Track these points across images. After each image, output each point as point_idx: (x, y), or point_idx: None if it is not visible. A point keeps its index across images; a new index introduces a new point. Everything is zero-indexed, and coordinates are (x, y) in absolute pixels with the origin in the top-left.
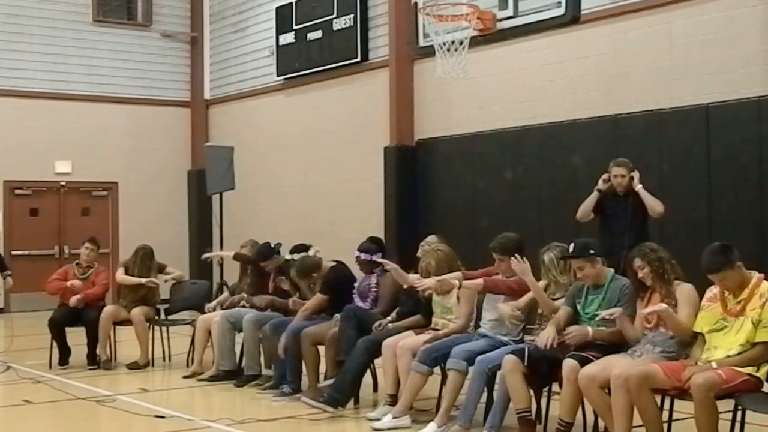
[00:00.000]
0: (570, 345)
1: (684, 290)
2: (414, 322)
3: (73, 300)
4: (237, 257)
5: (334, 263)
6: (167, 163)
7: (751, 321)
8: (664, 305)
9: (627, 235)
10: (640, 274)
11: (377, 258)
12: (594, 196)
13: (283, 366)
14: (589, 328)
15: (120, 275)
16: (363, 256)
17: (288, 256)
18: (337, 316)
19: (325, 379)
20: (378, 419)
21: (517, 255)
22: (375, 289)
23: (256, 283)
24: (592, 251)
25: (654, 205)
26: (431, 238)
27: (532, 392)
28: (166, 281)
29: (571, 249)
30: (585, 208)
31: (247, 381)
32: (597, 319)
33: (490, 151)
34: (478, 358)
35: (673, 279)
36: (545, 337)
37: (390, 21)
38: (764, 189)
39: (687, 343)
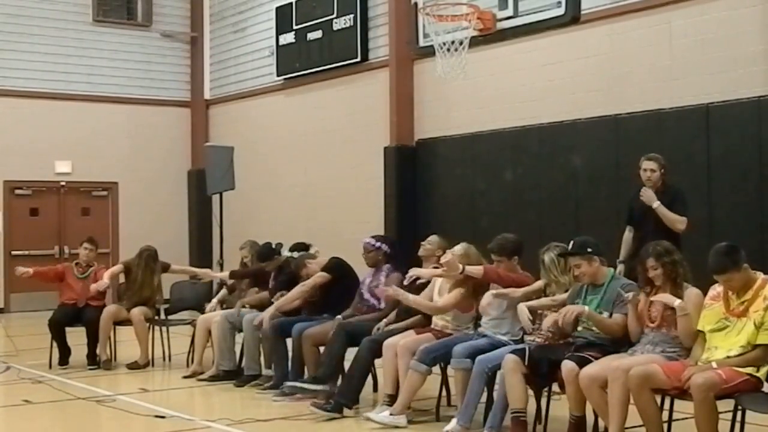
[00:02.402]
0: (571, 340)
1: (692, 295)
2: (414, 323)
3: (94, 287)
4: (233, 276)
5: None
6: (167, 163)
7: (754, 323)
8: (678, 300)
9: (651, 238)
10: (651, 273)
11: (383, 246)
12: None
13: (284, 366)
14: (586, 308)
15: (108, 274)
16: (368, 239)
17: (287, 253)
18: (339, 318)
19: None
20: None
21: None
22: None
23: (257, 284)
24: (589, 249)
25: (674, 222)
26: (433, 238)
27: (532, 392)
28: (201, 280)
29: (570, 247)
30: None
31: (247, 381)
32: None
33: (490, 152)
34: (478, 357)
35: (682, 282)
36: (550, 318)
37: (390, 21)
38: (764, 189)
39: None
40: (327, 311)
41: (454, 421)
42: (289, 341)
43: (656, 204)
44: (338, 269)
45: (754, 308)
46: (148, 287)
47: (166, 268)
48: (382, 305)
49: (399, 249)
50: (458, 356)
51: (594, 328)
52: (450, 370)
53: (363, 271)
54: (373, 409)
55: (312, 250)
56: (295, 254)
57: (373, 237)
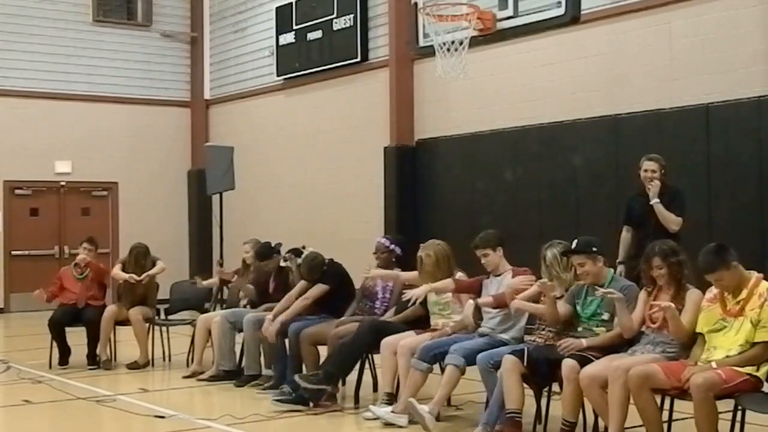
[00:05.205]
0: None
1: (693, 296)
2: (412, 312)
3: (81, 258)
4: (222, 279)
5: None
6: (167, 163)
7: (750, 321)
8: (671, 304)
9: (652, 238)
10: (655, 273)
11: (396, 249)
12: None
13: (284, 366)
14: (584, 340)
15: (115, 270)
16: (382, 239)
17: (282, 263)
18: (343, 319)
19: None
20: (375, 418)
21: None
22: (390, 289)
23: (257, 283)
24: (594, 248)
25: (669, 221)
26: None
27: (532, 392)
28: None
29: (573, 245)
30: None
31: (247, 381)
32: (599, 293)
33: (490, 151)
34: (479, 356)
35: (686, 283)
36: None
37: (390, 21)
38: (764, 189)
39: (687, 344)
40: (325, 312)
41: (425, 406)
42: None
43: (656, 201)
44: (336, 277)
45: (749, 307)
46: (140, 284)
47: (155, 263)
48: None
49: (405, 249)
50: (455, 353)
51: (594, 329)
52: None
53: (363, 270)
54: None
55: (306, 252)
56: (291, 262)
57: (386, 238)
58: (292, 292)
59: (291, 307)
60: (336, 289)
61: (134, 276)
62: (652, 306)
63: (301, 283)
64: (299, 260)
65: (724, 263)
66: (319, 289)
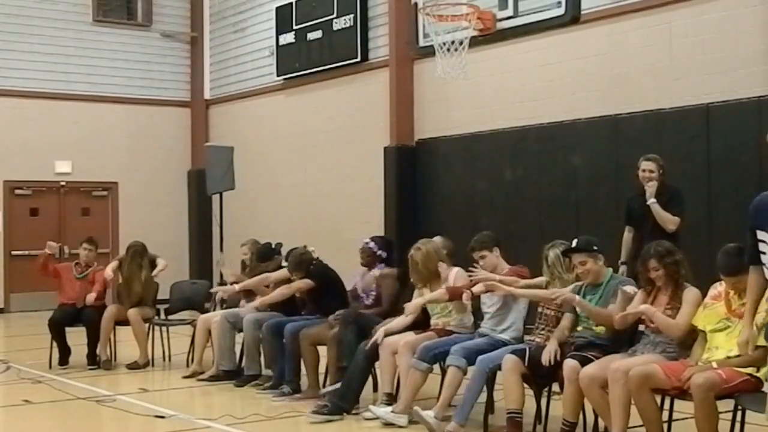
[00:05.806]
0: (572, 340)
1: (689, 295)
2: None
3: (90, 298)
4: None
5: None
6: (167, 163)
7: (755, 324)
8: (644, 307)
9: (650, 238)
10: (653, 274)
11: (380, 253)
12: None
13: (283, 366)
14: (577, 296)
15: (108, 269)
16: (368, 242)
17: (284, 263)
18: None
19: (325, 383)
20: (375, 418)
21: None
22: (374, 286)
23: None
24: (595, 247)
25: (666, 221)
26: (437, 239)
27: (532, 392)
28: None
29: (574, 243)
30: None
31: (247, 381)
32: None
33: (490, 151)
34: (479, 357)
35: (683, 283)
36: (548, 352)
37: (390, 21)
38: (764, 189)
39: (687, 344)
40: (319, 312)
41: (430, 411)
42: None
43: (652, 201)
44: (320, 277)
45: None
46: (137, 282)
47: (153, 262)
48: (370, 301)
49: (393, 251)
50: (456, 353)
51: (594, 328)
52: None
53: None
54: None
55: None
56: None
57: (373, 240)
58: (270, 276)
59: (273, 293)
60: (323, 288)
61: (111, 274)
62: (653, 304)
63: (282, 271)
64: None
65: (747, 267)
66: (305, 283)
